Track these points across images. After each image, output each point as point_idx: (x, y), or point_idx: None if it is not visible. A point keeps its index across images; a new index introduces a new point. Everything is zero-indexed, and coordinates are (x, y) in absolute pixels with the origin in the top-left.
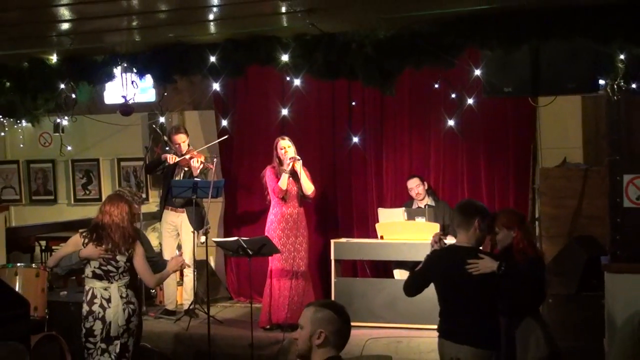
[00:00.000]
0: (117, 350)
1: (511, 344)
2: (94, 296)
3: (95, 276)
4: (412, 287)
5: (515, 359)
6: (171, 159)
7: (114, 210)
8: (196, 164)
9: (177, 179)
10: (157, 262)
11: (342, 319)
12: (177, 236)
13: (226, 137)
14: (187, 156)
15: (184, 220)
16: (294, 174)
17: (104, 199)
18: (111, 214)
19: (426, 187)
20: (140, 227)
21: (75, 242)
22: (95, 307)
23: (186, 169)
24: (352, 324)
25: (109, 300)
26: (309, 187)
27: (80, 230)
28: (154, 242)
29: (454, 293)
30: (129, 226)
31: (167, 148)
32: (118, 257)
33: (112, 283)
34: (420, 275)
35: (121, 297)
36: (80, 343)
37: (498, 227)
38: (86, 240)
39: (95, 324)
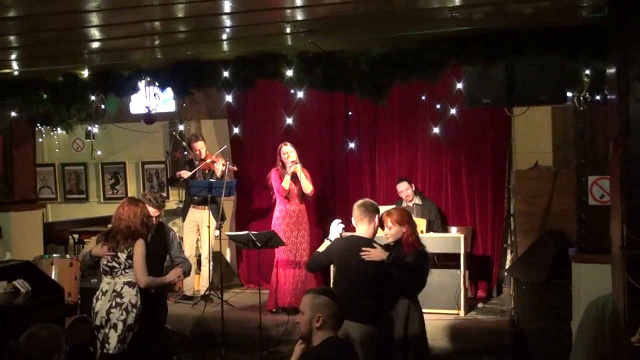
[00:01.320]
0: (101, 338)
1: (391, 322)
2: (98, 289)
3: (104, 272)
4: (314, 264)
5: (393, 334)
6: (184, 174)
7: (124, 213)
8: (219, 166)
9: (197, 180)
10: (183, 264)
11: (337, 304)
12: (197, 231)
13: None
14: (209, 160)
15: (205, 216)
16: (295, 176)
17: (143, 192)
18: (121, 217)
19: (414, 189)
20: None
21: (94, 241)
22: (94, 300)
23: (206, 171)
24: None
25: (104, 294)
26: (307, 187)
27: (101, 232)
28: None
29: (347, 275)
30: (136, 225)
31: (185, 152)
32: (119, 254)
33: (114, 278)
34: (324, 255)
35: (114, 291)
36: None
37: (392, 223)
38: (99, 241)
39: (93, 314)
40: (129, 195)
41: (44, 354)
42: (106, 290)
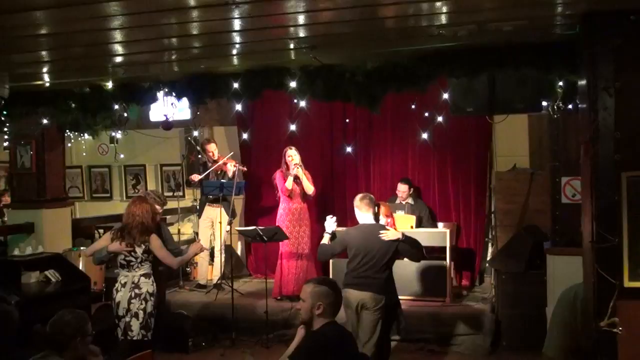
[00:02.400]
0: (123, 327)
1: (393, 293)
2: (116, 282)
3: (121, 266)
4: (327, 254)
5: (398, 302)
6: (195, 178)
7: (136, 211)
8: (231, 167)
9: (211, 180)
10: (178, 253)
11: (335, 293)
12: (211, 226)
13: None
14: (220, 162)
15: (218, 213)
16: (298, 177)
17: (147, 191)
18: (134, 215)
19: (411, 191)
20: (178, 219)
21: (106, 238)
22: (114, 291)
23: (218, 172)
24: None
25: (124, 285)
26: (309, 189)
27: (112, 229)
28: (189, 231)
29: (367, 255)
30: (148, 221)
31: (199, 156)
32: (136, 249)
33: (131, 272)
34: (338, 245)
35: (133, 282)
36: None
37: (382, 215)
38: (114, 238)
39: (114, 305)
40: None
41: (67, 336)
42: (125, 283)
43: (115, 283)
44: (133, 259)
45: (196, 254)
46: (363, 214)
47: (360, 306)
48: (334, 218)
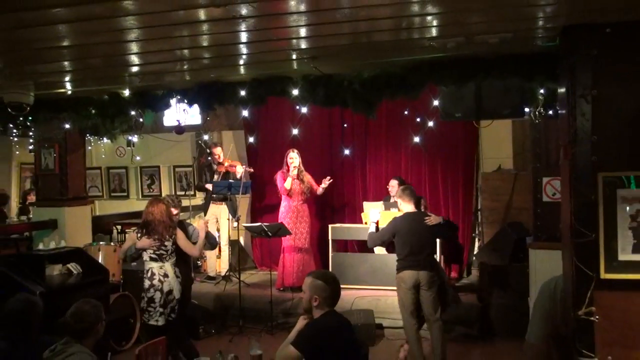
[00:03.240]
0: (168, 311)
1: (439, 270)
2: (153, 274)
3: (152, 259)
4: (378, 241)
5: (443, 278)
6: (209, 187)
7: (154, 210)
8: (240, 169)
9: (215, 180)
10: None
11: (330, 287)
12: (216, 222)
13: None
14: (226, 164)
15: (222, 210)
16: (298, 177)
17: (163, 195)
18: (153, 213)
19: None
20: (189, 216)
21: (132, 237)
22: (155, 282)
23: (223, 171)
24: (344, 286)
25: (165, 276)
26: (313, 192)
27: (133, 229)
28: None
29: (416, 239)
30: (168, 219)
31: (209, 158)
32: (166, 243)
33: (164, 262)
34: (388, 232)
35: (174, 273)
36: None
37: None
38: (139, 235)
39: (156, 294)
40: (163, 192)
41: (90, 324)
42: (164, 273)
43: (149, 274)
44: (164, 252)
45: (205, 231)
46: (406, 204)
47: (416, 285)
48: (378, 209)
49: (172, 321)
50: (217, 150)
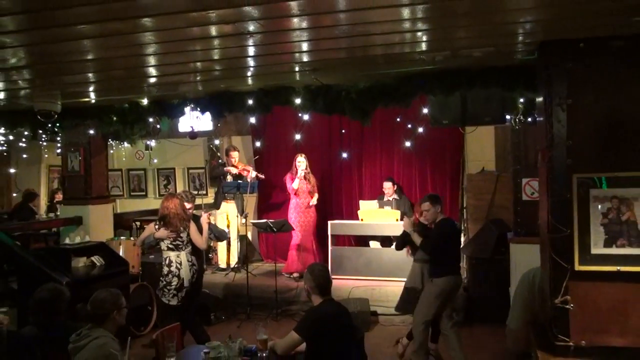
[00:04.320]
0: (183, 294)
1: None
2: (170, 262)
3: (169, 249)
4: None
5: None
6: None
7: (170, 205)
8: (252, 174)
9: (228, 180)
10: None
11: (314, 278)
12: (226, 218)
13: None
14: (240, 167)
15: (232, 207)
16: (304, 178)
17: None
18: (168, 207)
19: (395, 188)
20: (202, 213)
21: (150, 228)
22: (173, 269)
23: (236, 173)
24: (342, 277)
25: (181, 264)
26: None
27: (154, 222)
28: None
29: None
30: (182, 212)
31: (220, 161)
32: (182, 234)
33: (181, 251)
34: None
35: (188, 261)
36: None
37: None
38: (157, 227)
39: (173, 279)
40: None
41: (107, 311)
42: (180, 262)
43: (167, 262)
44: (180, 242)
45: (207, 223)
46: (437, 210)
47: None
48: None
49: (183, 303)
50: (234, 154)
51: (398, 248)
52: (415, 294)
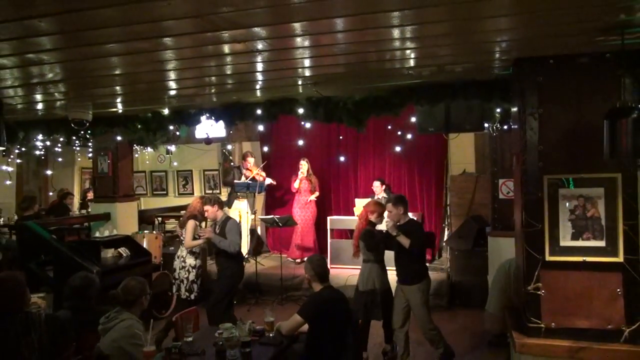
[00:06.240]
0: (188, 285)
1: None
2: (184, 259)
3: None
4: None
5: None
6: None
7: (193, 202)
8: (268, 181)
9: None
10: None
11: (312, 267)
12: (238, 215)
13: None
14: (255, 172)
15: (243, 205)
16: (305, 179)
17: (195, 194)
18: (191, 205)
19: (384, 187)
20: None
21: (192, 226)
22: (187, 265)
23: (248, 174)
24: (339, 267)
25: (176, 258)
26: (314, 195)
27: (192, 220)
28: None
29: None
30: (193, 212)
31: (232, 164)
32: (182, 231)
33: (182, 247)
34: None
35: (181, 256)
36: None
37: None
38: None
39: (189, 275)
40: (195, 192)
41: (136, 297)
42: (178, 255)
43: (180, 260)
44: (182, 239)
45: (206, 237)
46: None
47: None
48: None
49: (197, 297)
50: (250, 160)
51: (370, 249)
52: (375, 297)
